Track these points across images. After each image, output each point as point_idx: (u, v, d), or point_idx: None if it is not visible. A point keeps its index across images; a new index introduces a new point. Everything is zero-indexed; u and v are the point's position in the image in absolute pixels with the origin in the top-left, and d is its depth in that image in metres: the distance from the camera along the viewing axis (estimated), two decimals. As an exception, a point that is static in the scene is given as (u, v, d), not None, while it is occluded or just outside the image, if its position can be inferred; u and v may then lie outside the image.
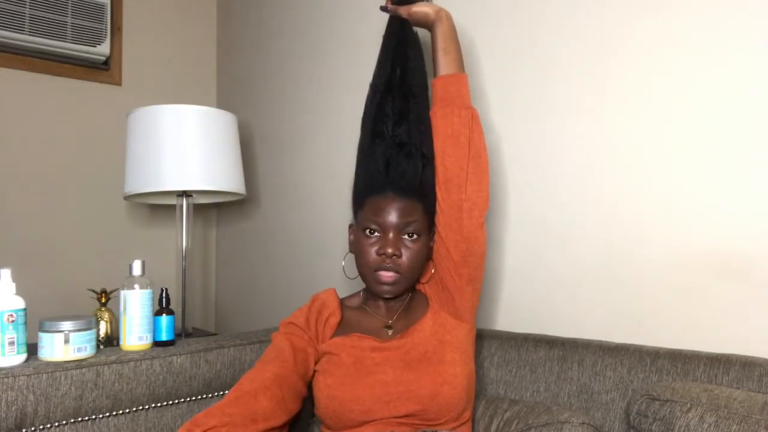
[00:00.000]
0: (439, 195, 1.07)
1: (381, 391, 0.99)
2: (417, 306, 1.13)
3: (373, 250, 1.06)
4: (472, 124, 1.07)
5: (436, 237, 1.10)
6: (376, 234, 1.06)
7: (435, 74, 1.12)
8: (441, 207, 1.07)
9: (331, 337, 1.09)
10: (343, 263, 1.20)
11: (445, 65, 1.10)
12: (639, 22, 1.10)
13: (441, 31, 1.12)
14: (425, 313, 1.10)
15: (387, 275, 1.05)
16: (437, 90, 1.10)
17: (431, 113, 1.10)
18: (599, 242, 1.15)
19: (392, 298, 1.09)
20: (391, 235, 1.05)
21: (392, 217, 1.05)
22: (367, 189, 1.09)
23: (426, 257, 1.10)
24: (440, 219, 1.08)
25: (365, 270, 1.08)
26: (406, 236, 1.05)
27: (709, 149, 1.01)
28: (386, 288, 1.06)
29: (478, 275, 1.09)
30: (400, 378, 1.00)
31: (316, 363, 1.08)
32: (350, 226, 1.16)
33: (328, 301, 1.14)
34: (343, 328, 1.11)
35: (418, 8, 1.14)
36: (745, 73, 0.97)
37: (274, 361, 1.04)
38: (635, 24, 1.10)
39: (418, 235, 1.06)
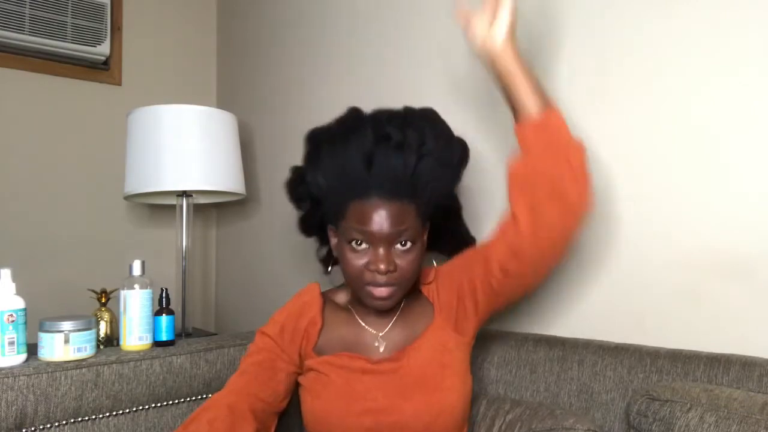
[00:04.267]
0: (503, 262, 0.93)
1: (371, 421, 0.93)
2: (416, 315, 1.03)
3: (361, 263, 0.93)
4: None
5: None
6: (363, 245, 0.93)
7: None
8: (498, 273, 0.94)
9: (315, 347, 1.01)
10: (329, 269, 1.13)
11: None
12: (640, 22, 1.10)
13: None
14: (425, 328, 1.00)
15: (381, 291, 0.93)
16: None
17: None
18: (599, 242, 1.15)
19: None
20: (381, 249, 0.91)
21: (381, 227, 0.90)
22: (347, 191, 0.93)
23: (423, 257, 0.99)
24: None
25: (353, 283, 0.96)
26: (399, 245, 0.93)
27: (710, 149, 1.01)
28: (380, 303, 0.95)
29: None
30: (392, 406, 0.93)
31: (297, 374, 1.03)
32: (329, 227, 1.03)
33: (308, 306, 1.04)
34: (326, 334, 1.02)
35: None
36: (746, 73, 0.97)
37: (233, 388, 0.99)
38: (637, 23, 1.10)
39: (413, 242, 0.94)
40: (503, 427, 1.00)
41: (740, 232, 0.97)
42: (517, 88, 0.90)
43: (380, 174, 0.93)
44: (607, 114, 1.14)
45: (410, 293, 1.03)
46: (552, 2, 1.23)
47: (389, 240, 0.92)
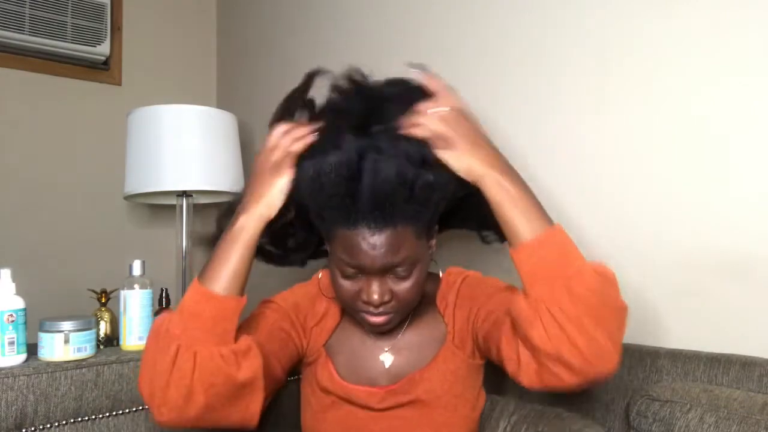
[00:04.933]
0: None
1: None
2: (427, 328, 0.96)
3: (353, 291, 0.85)
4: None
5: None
6: (355, 273, 0.84)
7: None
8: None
9: (326, 343, 0.96)
10: (319, 275, 1.02)
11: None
12: (641, 22, 1.10)
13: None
14: (437, 351, 0.93)
15: (376, 319, 0.86)
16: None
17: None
18: (599, 242, 1.15)
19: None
20: (374, 283, 0.82)
21: (373, 260, 0.80)
22: (331, 216, 0.82)
23: (427, 267, 0.89)
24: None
25: (347, 307, 0.90)
26: (393, 275, 0.84)
27: (710, 149, 1.01)
28: (378, 328, 0.89)
29: None
30: None
31: (300, 358, 0.97)
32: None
33: (328, 293, 0.96)
34: (339, 334, 0.97)
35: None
36: (746, 73, 0.97)
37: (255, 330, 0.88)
38: (638, 24, 1.10)
39: (412, 268, 0.84)
40: (508, 429, 0.98)
41: (740, 232, 0.97)
42: (504, 216, 0.79)
43: (368, 198, 0.79)
44: (607, 114, 1.14)
45: (427, 290, 0.96)
46: (552, 2, 1.23)
47: (383, 271, 0.82)
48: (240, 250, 0.82)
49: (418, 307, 0.96)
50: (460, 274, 0.98)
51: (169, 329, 0.80)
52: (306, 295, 0.98)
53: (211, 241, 0.93)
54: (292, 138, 0.85)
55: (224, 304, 0.81)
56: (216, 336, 0.80)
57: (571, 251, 0.77)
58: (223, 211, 0.99)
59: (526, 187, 0.82)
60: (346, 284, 0.86)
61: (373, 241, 0.79)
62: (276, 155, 0.85)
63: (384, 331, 0.92)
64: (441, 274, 1.00)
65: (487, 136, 0.85)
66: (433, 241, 0.92)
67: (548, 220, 0.80)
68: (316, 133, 0.87)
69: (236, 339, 0.83)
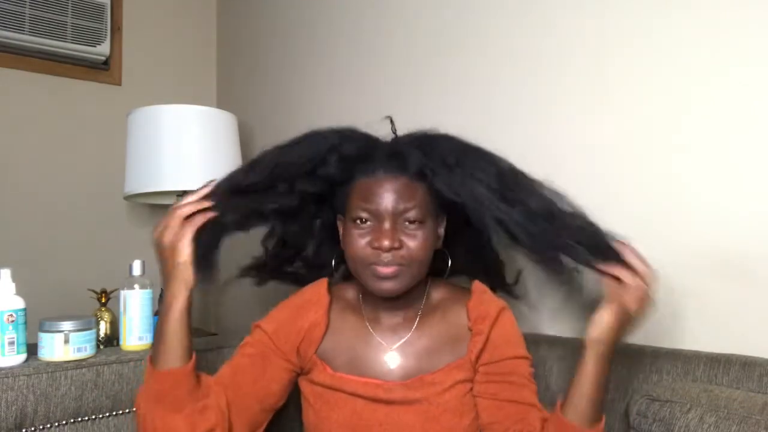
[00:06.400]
0: None
1: None
2: (440, 334, 0.95)
3: (364, 242, 0.88)
4: None
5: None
6: (368, 223, 0.88)
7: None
8: None
9: (317, 350, 0.96)
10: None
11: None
12: (641, 21, 1.10)
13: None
14: (452, 360, 0.93)
15: (385, 269, 0.87)
16: None
17: None
18: (599, 242, 1.15)
19: (396, 298, 0.92)
20: (386, 224, 0.86)
21: (386, 201, 0.86)
22: (353, 169, 0.91)
23: (434, 245, 0.93)
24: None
25: (358, 266, 0.90)
26: (406, 222, 0.88)
27: (710, 149, 1.01)
28: (387, 284, 0.88)
29: None
30: None
31: (296, 373, 0.99)
32: (338, 217, 0.98)
33: (311, 305, 0.98)
34: (331, 337, 0.97)
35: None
36: (746, 73, 0.97)
37: (219, 380, 0.94)
38: (637, 23, 1.10)
39: (421, 222, 0.88)
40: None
41: (740, 232, 0.97)
42: (580, 386, 0.82)
43: (388, 148, 0.91)
44: (607, 114, 1.14)
45: (429, 297, 0.99)
46: (552, 2, 1.23)
47: (395, 214, 0.87)
48: (170, 323, 0.87)
49: (426, 310, 0.98)
50: (493, 302, 0.98)
51: (139, 409, 0.89)
52: (289, 315, 0.99)
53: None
54: (178, 214, 0.88)
55: (167, 378, 0.87)
56: (170, 404, 0.86)
57: None
58: None
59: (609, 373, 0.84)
60: (358, 237, 0.89)
61: (389, 185, 0.87)
62: (167, 237, 0.87)
63: (393, 291, 0.89)
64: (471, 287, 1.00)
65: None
66: (441, 230, 0.96)
67: (600, 414, 0.84)
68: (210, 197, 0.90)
69: (204, 386, 0.90)
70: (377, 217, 0.87)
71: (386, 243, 0.86)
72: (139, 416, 0.89)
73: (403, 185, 0.87)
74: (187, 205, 0.88)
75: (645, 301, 0.82)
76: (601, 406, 0.83)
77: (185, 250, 0.86)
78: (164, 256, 0.88)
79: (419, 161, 0.87)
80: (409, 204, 0.87)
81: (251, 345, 0.98)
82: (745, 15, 0.96)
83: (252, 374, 0.95)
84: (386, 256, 0.87)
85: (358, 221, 0.89)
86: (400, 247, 0.87)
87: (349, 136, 0.93)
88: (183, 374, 0.87)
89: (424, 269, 0.92)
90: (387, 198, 0.87)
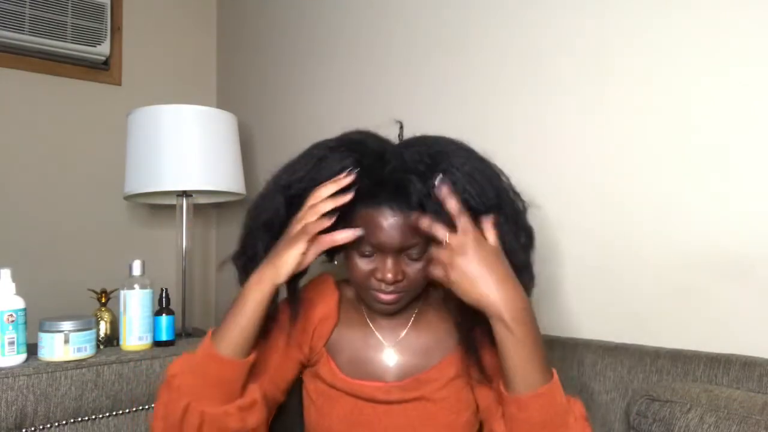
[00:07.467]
0: None
1: None
2: (434, 331, 0.98)
3: (368, 270, 0.90)
4: None
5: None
6: (372, 255, 0.90)
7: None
8: None
9: (326, 343, 0.98)
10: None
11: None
12: (641, 21, 1.10)
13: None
14: (445, 356, 0.96)
15: (386, 296, 0.90)
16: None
17: None
18: (599, 242, 1.15)
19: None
20: (390, 260, 0.87)
21: (391, 240, 0.86)
22: (355, 196, 0.87)
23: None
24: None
25: (359, 287, 0.94)
26: (407, 257, 0.89)
27: (709, 149, 1.01)
28: (386, 307, 0.92)
29: None
30: None
31: (304, 366, 1.00)
32: None
33: (324, 297, 0.99)
34: (339, 332, 0.99)
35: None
36: (746, 73, 0.97)
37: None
38: (637, 24, 1.10)
39: (423, 252, 0.89)
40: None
41: (740, 232, 0.97)
42: (506, 361, 0.79)
43: (394, 179, 0.85)
44: (606, 114, 1.14)
45: (436, 291, 1.00)
46: (551, 2, 1.23)
47: (399, 250, 0.88)
48: (248, 314, 0.84)
49: (423, 308, 1.00)
50: None
51: (180, 385, 0.85)
52: (302, 304, 0.97)
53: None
54: (315, 213, 0.85)
55: (230, 367, 0.85)
56: (222, 395, 0.85)
57: (558, 414, 0.80)
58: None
59: (537, 332, 0.81)
60: (362, 264, 0.90)
61: (393, 221, 0.85)
62: (297, 228, 0.85)
63: (391, 312, 0.94)
64: None
65: (505, 268, 0.81)
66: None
67: (547, 374, 0.81)
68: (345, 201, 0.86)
69: (245, 388, 0.88)
70: (381, 250, 0.88)
71: (389, 277, 0.87)
72: (174, 388, 0.84)
73: (408, 223, 0.85)
74: (324, 205, 0.84)
75: (450, 268, 0.79)
76: (539, 365, 0.79)
77: (302, 246, 0.83)
78: (282, 244, 0.85)
79: (423, 196, 0.84)
80: (414, 241, 0.87)
81: (275, 337, 0.97)
82: (745, 15, 0.96)
83: (275, 361, 0.96)
84: (388, 287, 0.89)
85: (364, 252, 0.89)
86: (402, 279, 0.89)
87: (358, 160, 0.88)
88: (244, 369, 0.86)
89: (422, 286, 0.95)
90: (392, 236, 0.85)
